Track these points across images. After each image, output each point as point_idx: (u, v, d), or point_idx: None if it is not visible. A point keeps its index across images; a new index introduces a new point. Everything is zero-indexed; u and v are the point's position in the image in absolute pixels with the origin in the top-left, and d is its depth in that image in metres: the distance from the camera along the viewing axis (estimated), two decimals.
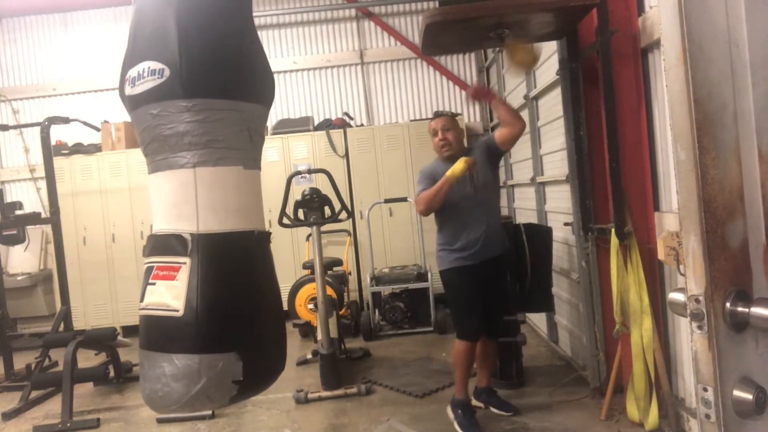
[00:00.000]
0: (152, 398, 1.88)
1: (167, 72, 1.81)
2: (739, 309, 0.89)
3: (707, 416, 0.88)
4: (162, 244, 1.90)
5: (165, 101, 1.83)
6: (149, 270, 1.92)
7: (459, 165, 3.26)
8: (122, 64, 1.97)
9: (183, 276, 1.82)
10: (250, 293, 1.95)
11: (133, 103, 1.93)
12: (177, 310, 1.81)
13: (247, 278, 1.96)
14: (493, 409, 3.68)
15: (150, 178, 1.98)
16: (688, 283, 0.92)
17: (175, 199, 1.88)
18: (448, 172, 3.26)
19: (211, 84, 1.86)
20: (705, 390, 0.88)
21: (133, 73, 1.90)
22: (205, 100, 1.85)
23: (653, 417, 3.17)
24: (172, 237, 1.87)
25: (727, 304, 0.90)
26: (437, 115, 3.63)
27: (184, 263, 1.83)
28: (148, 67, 1.84)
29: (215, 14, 1.90)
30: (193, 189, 1.85)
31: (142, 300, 1.93)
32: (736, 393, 0.89)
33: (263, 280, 2.03)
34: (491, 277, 3.47)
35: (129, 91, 1.92)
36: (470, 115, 7.47)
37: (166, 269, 1.87)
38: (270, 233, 2.10)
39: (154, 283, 1.88)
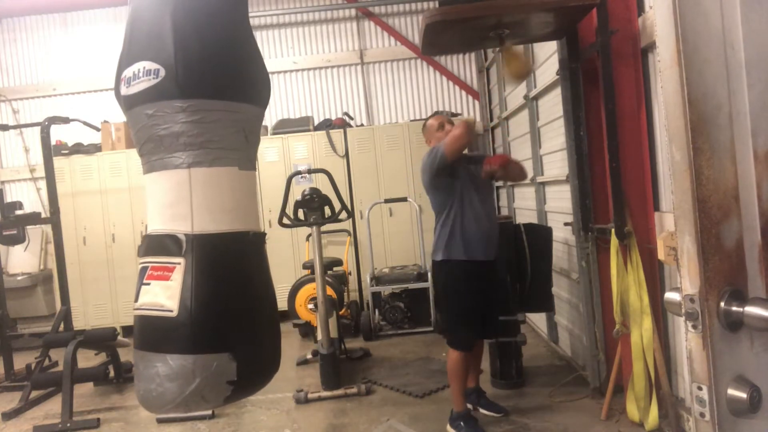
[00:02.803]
0: (146, 398, 1.88)
1: (163, 72, 1.81)
2: (734, 308, 0.90)
3: (702, 415, 0.89)
4: (156, 245, 1.90)
5: (160, 101, 1.83)
6: (144, 270, 1.92)
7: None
8: (118, 64, 1.97)
9: (177, 276, 1.82)
10: (244, 294, 1.95)
11: (129, 103, 1.93)
12: (171, 311, 1.81)
13: (242, 279, 1.95)
14: (482, 410, 3.66)
15: (145, 178, 1.97)
16: (683, 283, 0.92)
17: (170, 200, 1.88)
18: (466, 118, 3.22)
19: (207, 85, 1.86)
20: (699, 389, 0.89)
21: (128, 73, 1.90)
22: (201, 100, 1.84)
23: (653, 417, 3.17)
24: (167, 237, 1.86)
25: (722, 304, 0.90)
26: (436, 114, 3.64)
27: (179, 263, 1.83)
28: (144, 68, 1.84)
29: (211, 15, 1.90)
30: (187, 189, 1.85)
31: (136, 300, 1.93)
32: (731, 392, 0.89)
33: (258, 281, 2.03)
34: (489, 279, 3.43)
35: (124, 91, 1.92)
36: (470, 116, 7.46)
37: (160, 269, 1.86)
38: (265, 234, 2.10)
39: (148, 284, 1.88)
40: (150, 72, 1.83)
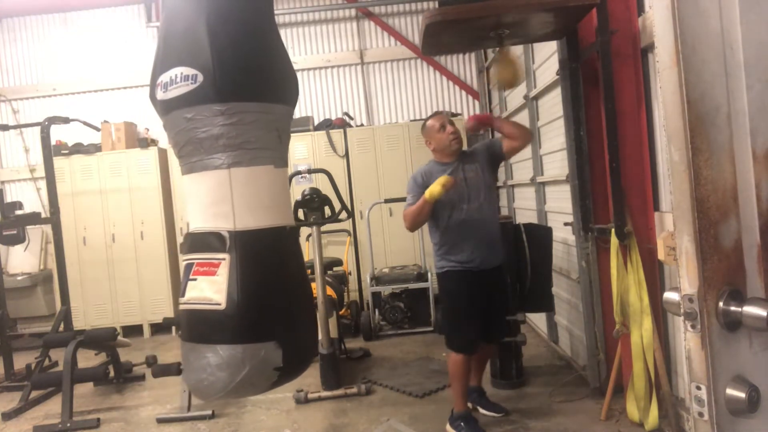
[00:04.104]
0: (198, 387, 1.99)
1: (200, 78, 1.88)
2: (732, 308, 0.90)
3: (700, 414, 0.89)
4: (201, 242, 2.00)
5: (199, 106, 1.91)
6: (189, 266, 2.02)
7: (437, 187, 3.09)
8: (152, 68, 2.03)
9: (223, 271, 1.93)
10: (285, 284, 2.07)
11: (166, 108, 2.00)
12: (219, 304, 1.91)
13: (282, 271, 2.08)
14: (481, 410, 3.65)
15: (185, 179, 2.06)
16: (682, 283, 0.92)
17: (212, 199, 1.98)
18: (427, 194, 3.12)
19: (243, 88, 1.94)
20: (698, 388, 0.89)
21: (165, 78, 1.96)
22: (238, 103, 1.93)
23: (653, 417, 3.17)
24: (211, 235, 1.97)
25: (720, 304, 0.90)
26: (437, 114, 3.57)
27: (224, 259, 1.93)
28: (181, 73, 1.91)
29: (243, 19, 1.97)
30: (228, 189, 1.95)
31: (183, 295, 2.02)
32: (729, 391, 0.89)
33: (296, 271, 2.16)
34: (491, 285, 3.36)
35: (161, 95, 1.97)
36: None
37: (206, 265, 1.97)
38: (299, 228, 2.20)
39: (195, 279, 1.98)
40: (188, 77, 1.89)
